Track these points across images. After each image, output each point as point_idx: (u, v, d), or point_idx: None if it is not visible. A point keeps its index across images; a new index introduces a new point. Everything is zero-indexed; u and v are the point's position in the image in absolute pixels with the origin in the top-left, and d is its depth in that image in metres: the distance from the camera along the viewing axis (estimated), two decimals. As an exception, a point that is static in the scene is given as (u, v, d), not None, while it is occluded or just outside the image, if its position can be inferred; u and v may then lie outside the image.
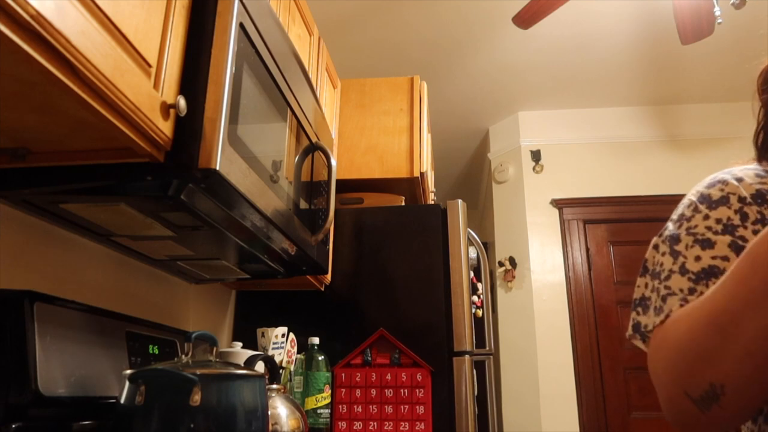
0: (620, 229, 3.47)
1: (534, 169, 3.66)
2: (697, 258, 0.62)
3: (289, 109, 1.25)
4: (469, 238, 2.06)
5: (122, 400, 0.91)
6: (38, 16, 0.57)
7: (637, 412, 3.14)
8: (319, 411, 1.64)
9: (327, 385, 1.67)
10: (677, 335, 0.57)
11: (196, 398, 0.88)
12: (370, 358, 1.82)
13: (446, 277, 1.93)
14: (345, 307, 1.97)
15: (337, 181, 2.31)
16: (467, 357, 1.83)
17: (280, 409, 1.21)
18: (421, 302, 1.92)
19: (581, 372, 3.22)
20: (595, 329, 3.29)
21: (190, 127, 0.86)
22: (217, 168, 0.85)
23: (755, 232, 0.61)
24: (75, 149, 0.85)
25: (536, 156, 3.68)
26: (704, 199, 0.66)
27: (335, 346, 1.89)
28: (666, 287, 0.63)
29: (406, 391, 1.76)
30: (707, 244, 0.62)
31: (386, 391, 1.77)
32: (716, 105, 3.63)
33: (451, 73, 3.33)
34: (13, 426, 0.85)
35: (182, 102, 0.84)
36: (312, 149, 1.42)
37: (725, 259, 0.61)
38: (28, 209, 1.02)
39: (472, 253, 2.36)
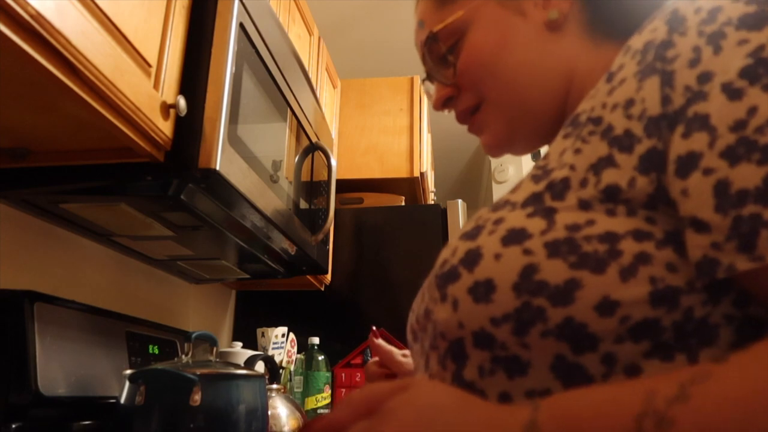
0: (620, 229, 3.47)
1: (534, 169, 3.67)
2: None
3: (289, 109, 1.25)
4: (469, 238, 2.06)
5: (122, 400, 0.91)
6: (38, 16, 0.57)
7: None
8: (319, 411, 1.63)
9: (327, 385, 1.67)
10: None
11: (196, 398, 0.88)
12: (370, 358, 1.82)
13: (446, 277, 1.93)
14: (345, 307, 1.97)
15: (337, 181, 2.31)
16: (467, 357, 1.83)
17: (280, 409, 1.21)
18: (421, 302, 1.92)
19: (581, 372, 3.22)
20: (595, 329, 3.29)
21: (190, 127, 0.86)
22: (217, 168, 0.85)
23: None
24: (75, 149, 0.85)
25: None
26: None
27: (335, 346, 1.89)
28: None
29: (406, 391, 1.76)
30: None
31: (386, 391, 1.76)
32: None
33: (451, 73, 3.32)
34: (13, 426, 0.85)
35: (182, 102, 0.84)
36: (312, 149, 1.42)
37: None
38: (28, 209, 1.02)
39: (472, 253, 2.36)
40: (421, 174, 2.32)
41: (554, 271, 0.35)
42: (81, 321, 1.05)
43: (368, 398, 0.36)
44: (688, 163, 0.33)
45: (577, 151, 0.40)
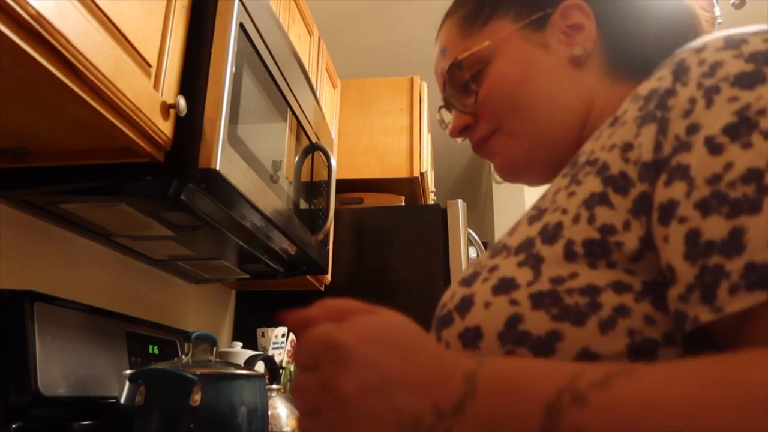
0: (620, 229, 3.47)
1: (534, 169, 3.66)
2: None
3: (289, 109, 1.25)
4: (469, 238, 2.06)
5: (122, 400, 0.91)
6: (38, 16, 0.57)
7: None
8: (319, 411, 1.63)
9: (327, 385, 1.67)
10: None
11: (196, 398, 0.88)
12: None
13: (446, 278, 1.93)
14: (345, 307, 1.97)
15: (337, 181, 2.31)
16: (467, 357, 1.83)
17: (280, 409, 1.21)
18: (421, 302, 1.92)
19: (581, 372, 3.22)
20: (595, 329, 3.29)
21: (190, 127, 0.86)
22: (217, 168, 0.85)
23: None
24: (75, 149, 0.85)
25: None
26: None
27: (335, 346, 1.89)
28: None
29: (406, 391, 1.76)
30: None
31: (386, 391, 1.76)
32: (716, 105, 3.63)
33: (451, 73, 3.32)
34: (13, 426, 0.85)
35: (182, 102, 0.84)
36: (312, 149, 1.42)
37: None
38: (28, 209, 1.02)
39: (472, 253, 2.36)
40: (421, 174, 2.32)
41: (537, 323, 0.36)
42: (81, 321, 1.05)
43: (342, 307, 0.38)
44: (668, 210, 0.34)
45: (571, 194, 0.40)
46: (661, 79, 0.39)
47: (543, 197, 0.45)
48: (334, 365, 0.34)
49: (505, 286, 0.39)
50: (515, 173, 0.58)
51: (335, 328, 0.36)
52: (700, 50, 0.37)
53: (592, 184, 0.39)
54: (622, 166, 0.38)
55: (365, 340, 0.34)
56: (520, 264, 0.40)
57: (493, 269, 0.42)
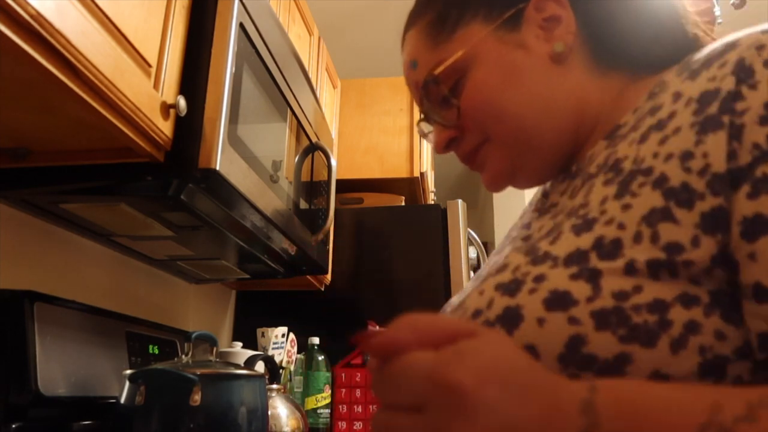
0: (620, 229, 3.46)
1: (534, 169, 3.66)
2: None
3: (289, 109, 1.25)
4: (469, 238, 2.06)
5: (122, 400, 0.91)
6: (38, 16, 0.57)
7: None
8: (319, 411, 1.63)
9: (327, 385, 1.67)
10: None
11: (196, 398, 0.88)
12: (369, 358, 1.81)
13: (446, 277, 1.93)
14: (345, 307, 1.97)
15: (337, 181, 2.31)
16: (467, 357, 1.83)
17: (280, 409, 1.21)
18: (421, 302, 1.92)
19: (581, 372, 3.21)
20: (595, 329, 3.29)
21: (190, 127, 0.86)
22: (217, 168, 0.85)
23: None
24: (75, 149, 0.85)
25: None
26: None
27: (335, 346, 1.89)
28: None
29: (406, 391, 1.75)
30: None
31: (386, 391, 1.76)
32: (716, 105, 3.62)
33: (451, 73, 3.31)
34: (13, 426, 0.85)
35: (182, 102, 0.84)
36: (312, 149, 1.42)
37: None
38: (28, 209, 1.02)
39: (472, 253, 2.36)
40: (421, 174, 2.32)
41: (603, 345, 0.34)
42: (81, 321, 1.05)
43: (435, 328, 0.32)
44: (756, 226, 0.32)
45: (626, 207, 0.37)
46: (713, 79, 0.36)
47: (586, 205, 0.41)
48: (449, 412, 0.29)
49: (561, 301, 0.36)
50: (501, 184, 0.55)
51: (443, 363, 0.30)
52: (760, 49, 0.35)
53: (651, 198, 0.36)
54: (683, 177, 0.35)
55: (484, 381, 0.29)
56: (574, 277, 0.36)
57: (539, 279, 0.38)
